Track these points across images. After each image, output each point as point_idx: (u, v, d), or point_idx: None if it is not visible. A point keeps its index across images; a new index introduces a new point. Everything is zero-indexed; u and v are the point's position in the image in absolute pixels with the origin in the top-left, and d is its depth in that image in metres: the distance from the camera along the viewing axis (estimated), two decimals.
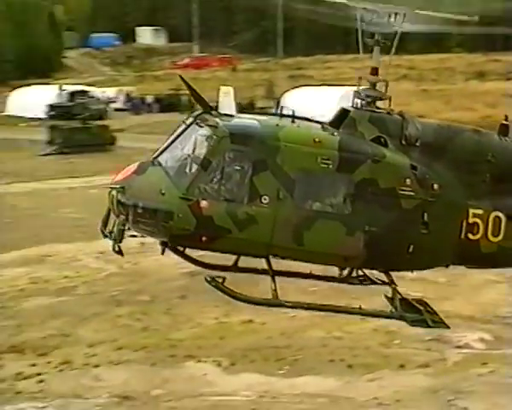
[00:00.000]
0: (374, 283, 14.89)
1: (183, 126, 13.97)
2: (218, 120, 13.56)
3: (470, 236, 14.18)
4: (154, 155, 13.91)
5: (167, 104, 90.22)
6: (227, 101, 14.09)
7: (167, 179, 13.49)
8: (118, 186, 13.65)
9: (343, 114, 14.30)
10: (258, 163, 13.36)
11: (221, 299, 29.23)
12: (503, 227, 14.29)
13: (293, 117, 14.01)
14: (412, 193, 13.76)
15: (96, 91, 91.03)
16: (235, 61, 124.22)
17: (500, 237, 14.29)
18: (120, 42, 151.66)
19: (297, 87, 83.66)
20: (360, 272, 14.83)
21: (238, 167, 13.37)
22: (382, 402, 24.63)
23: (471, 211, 14.15)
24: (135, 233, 14.10)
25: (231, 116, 13.80)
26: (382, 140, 13.93)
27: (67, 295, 33.69)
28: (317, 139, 13.55)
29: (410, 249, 13.83)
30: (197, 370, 27.20)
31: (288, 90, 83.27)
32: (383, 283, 14.60)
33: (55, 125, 72.63)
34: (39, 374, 27.01)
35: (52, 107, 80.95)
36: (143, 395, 25.54)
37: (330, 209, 13.55)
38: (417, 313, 14.39)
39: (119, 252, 13.91)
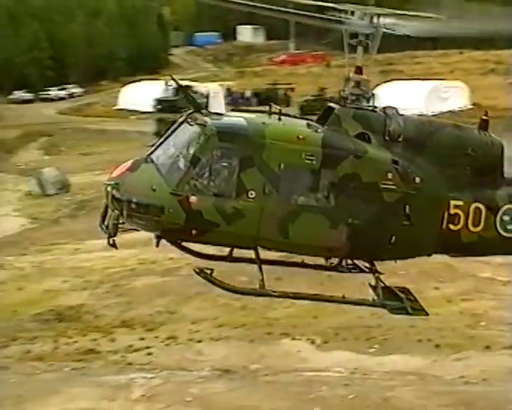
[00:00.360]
0: (362, 271, 14.59)
1: (176, 125, 13.96)
2: (206, 118, 13.47)
3: (451, 226, 14.07)
4: (149, 152, 13.85)
5: (265, 98, 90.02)
6: (217, 100, 14.26)
7: (158, 176, 13.43)
8: (112, 182, 13.64)
9: (329, 112, 14.14)
10: (244, 160, 13.32)
11: (314, 280, 29.39)
12: (483, 218, 14.19)
13: (280, 114, 13.85)
14: (394, 187, 13.68)
15: (199, 86, 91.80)
16: (328, 57, 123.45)
17: (480, 227, 14.20)
18: (222, 40, 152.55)
19: (388, 81, 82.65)
20: (349, 261, 14.68)
21: (226, 164, 13.34)
22: (469, 381, 24.27)
23: (452, 203, 14.05)
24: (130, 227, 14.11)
25: (220, 115, 13.79)
26: (366, 136, 13.81)
27: (172, 275, 34.18)
28: (301, 136, 13.47)
29: (393, 240, 13.73)
30: (292, 347, 27.27)
31: (379, 85, 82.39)
32: (370, 271, 14.34)
33: (162, 117, 73.29)
34: (148, 347, 27.52)
35: (159, 101, 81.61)
36: (242, 370, 25.74)
37: (314, 203, 13.50)
38: (398, 300, 14.23)
39: (114, 245, 13.85)
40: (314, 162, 13.43)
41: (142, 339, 28.24)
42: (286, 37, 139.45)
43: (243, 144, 13.34)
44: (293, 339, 27.61)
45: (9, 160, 73.11)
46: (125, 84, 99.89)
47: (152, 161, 13.61)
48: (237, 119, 13.75)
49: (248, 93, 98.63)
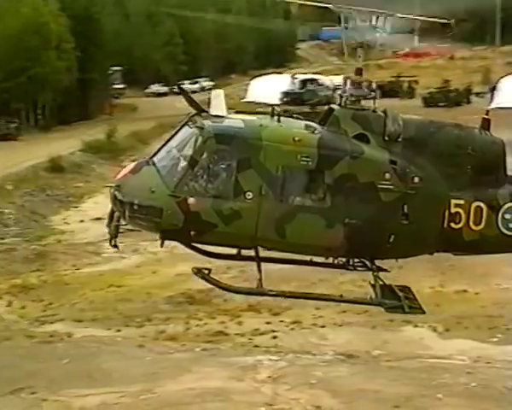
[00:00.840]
0: (369, 269, 14.27)
1: (178, 128, 13.94)
2: (204, 121, 13.42)
3: (453, 225, 13.79)
4: (151, 155, 13.86)
5: (388, 90, 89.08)
6: (218, 102, 13.80)
7: (158, 178, 13.40)
8: (115, 184, 13.73)
9: (330, 113, 13.94)
10: (242, 161, 13.21)
11: (436, 269, 28.86)
12: (485, 216, 13.88)
13: (279, 116, 13.71)
14: (392, 186, 13.47)
15: (324, 79, 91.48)
16: (452, 50, 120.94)
17: (482, 226, 13.89)
18: None
19: None
20: (356, 260, 14.40)
21: (223, 166, 13.25)
22: None
23: (453, 202, 13.77)
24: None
25: (221, 117, 13.58)
26: (364, 137, 13.60)
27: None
28: (296, 138, 13.33)
29: (391, 239, 13.50)
30: (414, 334, 26.96)
31: (504, 76, 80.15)
32: (378, 269, 14.13)
33: (288, 110, 73.66)
34: (273, 331, 27.73)
35: (286, 93, 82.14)
36: (365, 355, 25.62)
37: (310, 203, 13.34)
38: (396, 299, 13.95)
39: (115, 246, 14.03)
40: (310, 163, 13.31)
41: (268, 323, 28.46)
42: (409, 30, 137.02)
43: (240, 146, 13.28)
44: (416, 326, 27.27)
45: (145, 150, 74.84)
46: (253, 78, 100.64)
47: (153, 164, 13.63)
48: (236, 121, 13.65)
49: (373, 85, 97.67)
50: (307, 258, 14.73)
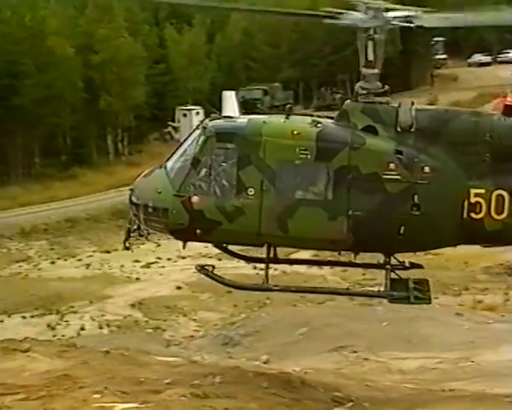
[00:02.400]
0: (407, 268, 14.08)
1: (191, 131, 14.09)
2: (207, 121, 13.66)
3: (473, 215, 13.22)
4: (166, 159, 13.97)
5: None
6: (230, 104, 13.96)
7: (166, 179, 13.67)
8: (131, 188, 14.10)
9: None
10: (242, 158, 13.24)
11: None
12: (507, 205, 13.20)
13: (289, 114, 13.60)
14: (398, 177, 13.08)
15: None
16: None
17: (504, 215, 13.21)
18: None
19: None
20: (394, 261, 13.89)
21: (225, 163, 13.32)
22: None
23: (472, 191, 13.21)
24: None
25: (231, 118, 13.73)
26: (373, 129, 13.34)
27: None
28: (295, 132, 13.22)
29: (402, 231, 13.04)
30: None
31: None
32: (412, 265, 14.02)
33: None
34: None
35: None
36: None
37: (311, 197, 13.16)
38: (405, 291, 13.60)
39: (128, 248, 14.36)
40: (308, 156, 13.04)
41: None
42: None
43: (240, 143, 13.28)
44: None
45: None
46: None
47: (165, 167, 13.91)
48: (240, 120, 13.67)
49: None
50: (342, 259, 14.55)
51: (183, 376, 14.93)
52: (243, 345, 25.01)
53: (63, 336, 28.34)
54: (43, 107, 64.69)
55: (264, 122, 13.66)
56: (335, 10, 13.66)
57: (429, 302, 14.04)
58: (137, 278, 38.76)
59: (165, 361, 16.77)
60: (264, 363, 20.87)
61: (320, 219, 13.24)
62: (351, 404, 14.31)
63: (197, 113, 69.91)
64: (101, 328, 30.05)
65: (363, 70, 13.81)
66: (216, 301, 29.97)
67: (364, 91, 13.76)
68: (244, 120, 13.87)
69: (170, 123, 72.86)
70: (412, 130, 13.50)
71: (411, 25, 13.63)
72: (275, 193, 13.30)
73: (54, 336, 28.14)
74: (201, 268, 14.14)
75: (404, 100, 14.98)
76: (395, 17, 13.64)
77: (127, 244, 14.65)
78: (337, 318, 25.56)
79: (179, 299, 34.12)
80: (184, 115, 71.74)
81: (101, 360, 16.14)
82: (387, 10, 13.67)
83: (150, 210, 13.83)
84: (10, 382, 14.54)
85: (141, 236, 14.52)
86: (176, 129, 71.41)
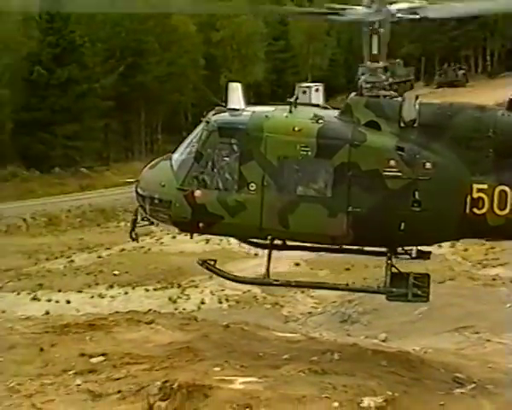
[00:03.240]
0: (414, 258, 13.94)
1: (198, 124, 14.04)
2: (211, 115, 13.70)
3: (476, 210, 13.15)
4: (173, 150, 13.97)
5: None
6: (235, 96, 13.75)
7: (170, 172, 13.77)
8: (137, 179, 14.34)
9: None
10: (244, 153, 13.31)
11: None
12: (510, 200, 13.11)
13: (295, 104, 13.60)
14: (399, 173, 13.03)
15: None
16: None
17: (507, 211, 13.13)
18: None
19: None
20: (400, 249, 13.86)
21: (227, 158, 13.38)
22: None
23: (475, 186, 13.10)
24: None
25: (237, 110, 13.66)
26: (375, 124, 13.26)
27: None
28: (296, 128, 13.24)
29: (402, 227, 13.02)
30: None
31: None
32: (421, 253, 13.94)
33: None
34: None
35: None
36: None
37: (312, 193, 13.20)
38: (404, 287, 13.50)
39: (134, 239, 14.44)
40: (309, 153, 12.97)
41: None
42: None
43: (243, 139, 13.24)
44: None
45: None
46: None
47: (170, 159, 13.94)
48: (244, 114, 13.53)
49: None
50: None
51: (301, 352, 15.06)
52: (361, 323, 24.94)
53: (184, 309, 28.86)
54: (166, 84, 65.99)
55: (266, 117, 13.71)
56: (339, 6, 13.69)
57: (427, 300, 13.93)
58: (256, 254, 39.08)
59: (284, 337, 16.92)
60: (383, 341, 20.73)
61: (320, 216, 13.43)
62: (473, 385, 14.08)
63: (317, 89, 69.69)
64: (220, 302, 30.47)
65: (368, 64, 13.83)
66: (334, 278, 29.83)
67: (369, 85, 13.78)
68: (247, 114, 13.92)
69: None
70: (415, 125, 13.44)
71: (416, 17, 13.44)
72: (276, 189, 13.51)
73: (175, 309, 28.69)
74: (203, 262, 14.33)
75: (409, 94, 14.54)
76: (399, 10, 13.52)
77: (133, 235, 14.74)
78: (458, 298, 25.12)
79: (297, 275, 34.16)
80: (304, 92, 71.62)
81: (221, 333, 16.45)
82: (391, 3, 13.57)
83: (154, 202, 14.08)
84: (135, 352, 15.01)
85: (151, 224, 14.75)
86: None
